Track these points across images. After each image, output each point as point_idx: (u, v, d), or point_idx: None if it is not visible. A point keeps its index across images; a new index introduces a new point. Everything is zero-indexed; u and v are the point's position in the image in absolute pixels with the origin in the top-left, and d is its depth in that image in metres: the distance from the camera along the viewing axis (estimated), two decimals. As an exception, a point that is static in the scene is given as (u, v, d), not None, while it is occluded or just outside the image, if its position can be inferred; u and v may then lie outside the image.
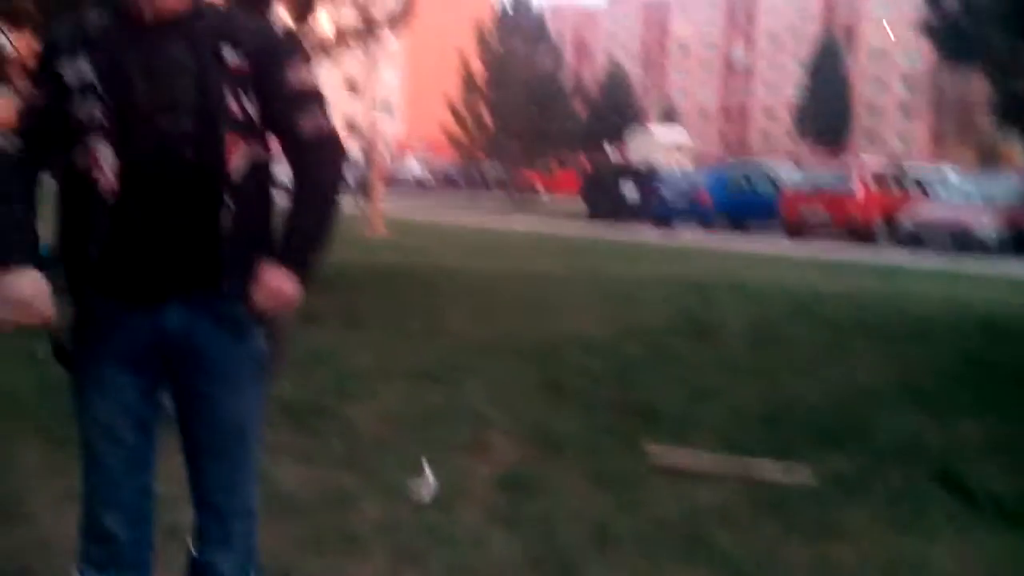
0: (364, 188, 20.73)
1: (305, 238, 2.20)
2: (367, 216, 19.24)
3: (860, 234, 20.93)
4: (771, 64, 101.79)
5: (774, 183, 23.99)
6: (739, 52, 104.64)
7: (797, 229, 21.88)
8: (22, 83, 7.56)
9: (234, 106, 2.11)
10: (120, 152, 2.06)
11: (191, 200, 2.09)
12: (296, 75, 2.20)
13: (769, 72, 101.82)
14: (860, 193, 21.40)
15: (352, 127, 51.10)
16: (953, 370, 6.65)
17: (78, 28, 2.14)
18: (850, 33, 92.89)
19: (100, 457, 2.20)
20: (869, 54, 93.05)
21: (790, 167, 29.64)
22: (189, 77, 2.09)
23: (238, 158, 2.12)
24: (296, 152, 2.21)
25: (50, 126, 2.12)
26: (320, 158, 2.22)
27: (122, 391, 2.17)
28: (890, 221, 20.79)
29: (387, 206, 21.77)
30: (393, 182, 41.16)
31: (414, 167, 47.91)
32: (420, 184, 45.02)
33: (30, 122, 2.15)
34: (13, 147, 2.15)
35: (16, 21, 7.34)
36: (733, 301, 9.90)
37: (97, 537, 2.23)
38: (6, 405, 4.80)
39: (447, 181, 45.83)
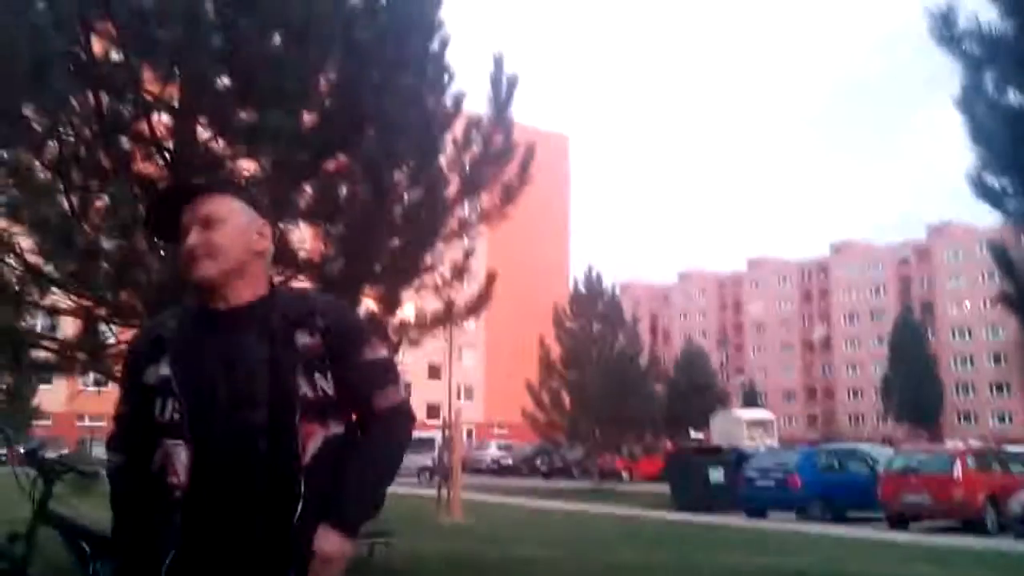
0: (444, 473, 20.52)
1: (362, 504, 2.18)
2: (446, 501, 18.94)
3: (966, 520, 19.63)
4: (851, 341, 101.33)
5: (868, 465, 22.97)
6: (817, 329, 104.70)
7: (898, 515, 20.57)
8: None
9: (308, 391, 2.12)
10: (196, 451, 2.07)
11: (262, 492, 2.05)
12: (370, 351, 2.20)
13: (850, 349, 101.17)
14: (961, 476, 20.27)
15: (433, 411, 51.69)
16: None
17: (157, 332, 2.19)
18: (929, 308, 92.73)
19: None
20: (952, 329, 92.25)
21: (883, 448, 28.55)
22: (263, 367, 2.08)
23: (311, 444, 2.11)
24: (368, 422, 2.23)
25: (139, 433, 2.15)
26: (389, 428, 2.24)
27: None
28: (997, 505, 19.52)
29: (466, 491, 21.35)
30: (473, 466, 40.81)
31: (494, 451, 47.83)
32: (500, 468, 44.61)
33: (124, 433, 2.22)
34: (119, 465, 2.22)
35: (125, 317, 7.47)
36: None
37: None
38: None
39: (527, 465, 45.34)
